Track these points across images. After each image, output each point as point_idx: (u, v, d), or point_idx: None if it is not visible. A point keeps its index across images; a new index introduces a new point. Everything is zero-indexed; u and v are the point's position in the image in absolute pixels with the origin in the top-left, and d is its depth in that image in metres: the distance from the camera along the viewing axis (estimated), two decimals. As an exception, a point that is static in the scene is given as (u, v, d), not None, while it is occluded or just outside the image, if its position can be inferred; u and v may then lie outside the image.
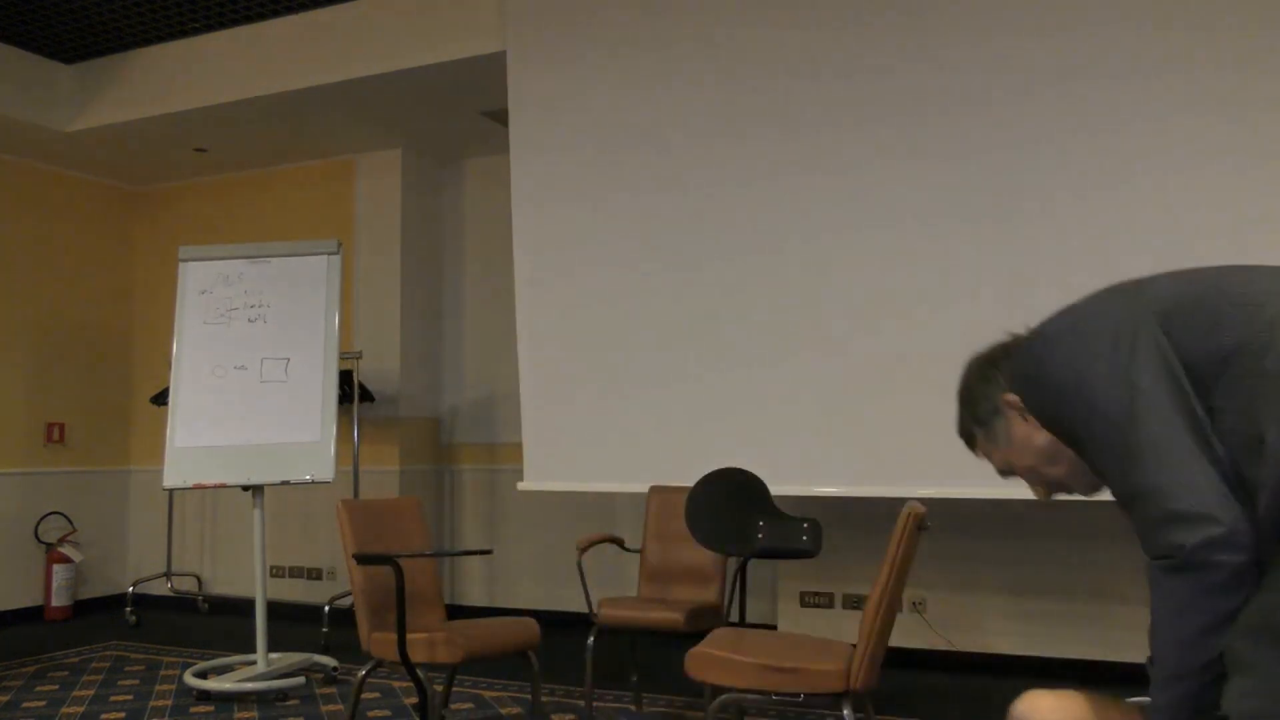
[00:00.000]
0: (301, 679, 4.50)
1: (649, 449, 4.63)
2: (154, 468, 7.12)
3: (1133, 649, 4.58)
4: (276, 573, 6.60)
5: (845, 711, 2.66)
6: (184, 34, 5.76)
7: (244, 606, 6.66)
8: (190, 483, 4.61)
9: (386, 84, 5.40)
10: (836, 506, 5.10)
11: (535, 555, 6.25)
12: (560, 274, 4.88)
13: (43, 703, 4.31)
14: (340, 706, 4.23)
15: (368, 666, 3.46)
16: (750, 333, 4.49)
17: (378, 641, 3.42)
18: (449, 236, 6.74)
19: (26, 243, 6.65)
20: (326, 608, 5.70)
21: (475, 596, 6.41)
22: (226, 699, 4.38)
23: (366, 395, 6.11)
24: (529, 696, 4.37)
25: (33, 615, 6.49)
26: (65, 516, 6.76)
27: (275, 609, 6.51)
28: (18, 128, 6.05)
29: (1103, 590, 4.63)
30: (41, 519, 6.61)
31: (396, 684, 4.60)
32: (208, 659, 5.18)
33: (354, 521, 3.63)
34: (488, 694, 4.43)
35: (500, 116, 5.87)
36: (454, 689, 4.50)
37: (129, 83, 5.97)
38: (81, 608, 6.77)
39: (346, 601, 6.21)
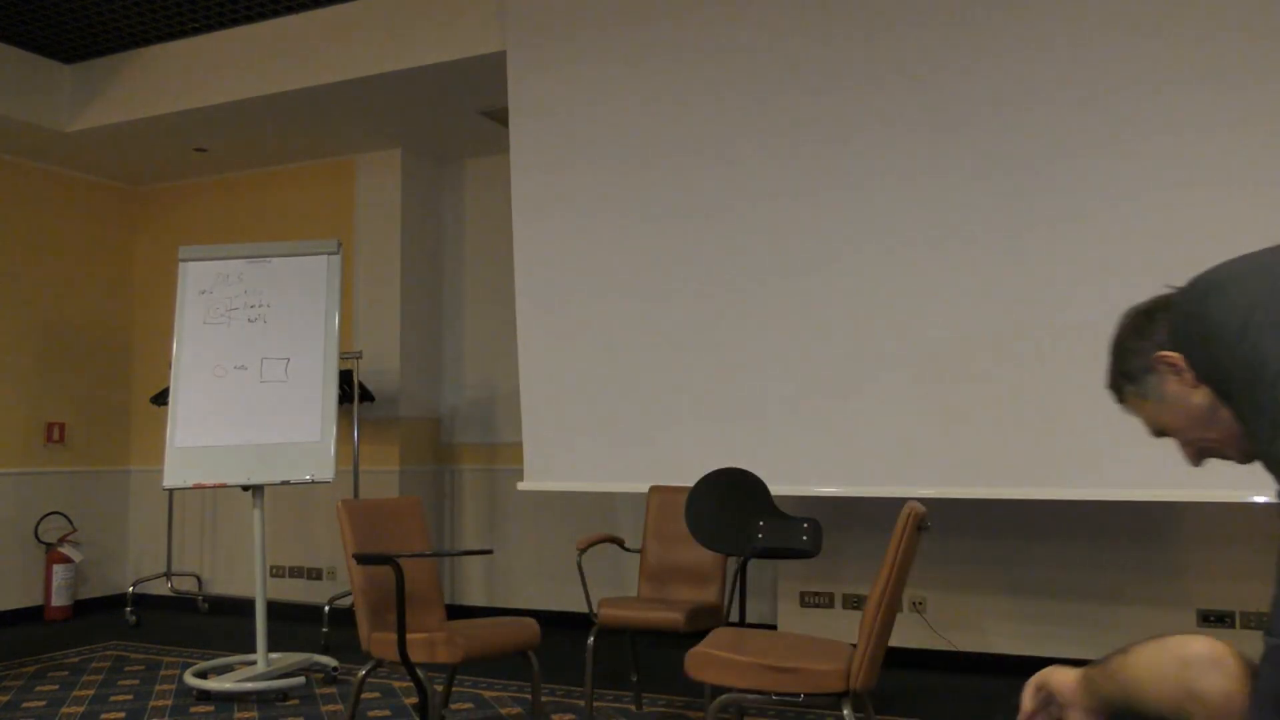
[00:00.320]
0: (301, 679, 4.50)
1: (649, 449, 4.63)
2: (154, 468, 7.11)
3: (1133, 649, 4.57)
4: (276, 573, 6.60)
5: (845, 711, 2.66)
6: (184, 34, 5.76)
7: (244, 606, 6.66)
8: (190, 483, 4.61)
9: (386, 84, 5.40)
10: (836, 506, 5.10)
11: (535, 555, 6.25)
12: (560, 274, 4.88)
13: (43, 703, 4.31)
14: (340, 706, 4.23)
15: (368, 666, 3.46)
16: (751, 333, 4.49)
17: (378, 641, 3.42)
18: (449, 236, 6.74)
19: (26, 243, 6.65)
20: (326, 608, 5.70)
21: (475, 596, 6.41)
22: (226, 699, 4.38)
23: (366, 395, 6.11)
24: (529, 696, 4.37)
25: (33, 615, 6.49)
26: (65, 516, 6.76)
27: (275, 609, 6.50)
28: (18, 128, 6.04)
29: (1103, 590, 4.63)
30: (41, 519, 6.61)
31: (396, 684, 4.60)
32: (208, 659, 5.18)
33: (354, 521, 3.63)
34: (488, 694, 4.43)
35: (500, 116, 5.87)
36: (454, 689, 4.50)
37: (129, 83, 5.97)
38: (81, 608, 6.77)
39: (346, 601, 6.20)
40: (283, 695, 4.41)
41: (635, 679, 4.21)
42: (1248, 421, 1.34)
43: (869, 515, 5.04)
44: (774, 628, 5.33)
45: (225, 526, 6.85)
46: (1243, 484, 3.72)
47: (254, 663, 4.63)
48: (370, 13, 5.31)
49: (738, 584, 3.73)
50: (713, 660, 2.76)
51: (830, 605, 5.09)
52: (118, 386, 7.20)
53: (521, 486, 4.89)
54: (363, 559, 3.36)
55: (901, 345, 4.25)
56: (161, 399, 6.50)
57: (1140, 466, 3.87)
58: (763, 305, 4.48)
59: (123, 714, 4.12)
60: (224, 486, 4.63)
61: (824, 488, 4.34)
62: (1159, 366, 1.52)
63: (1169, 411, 1.53)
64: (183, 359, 4.78)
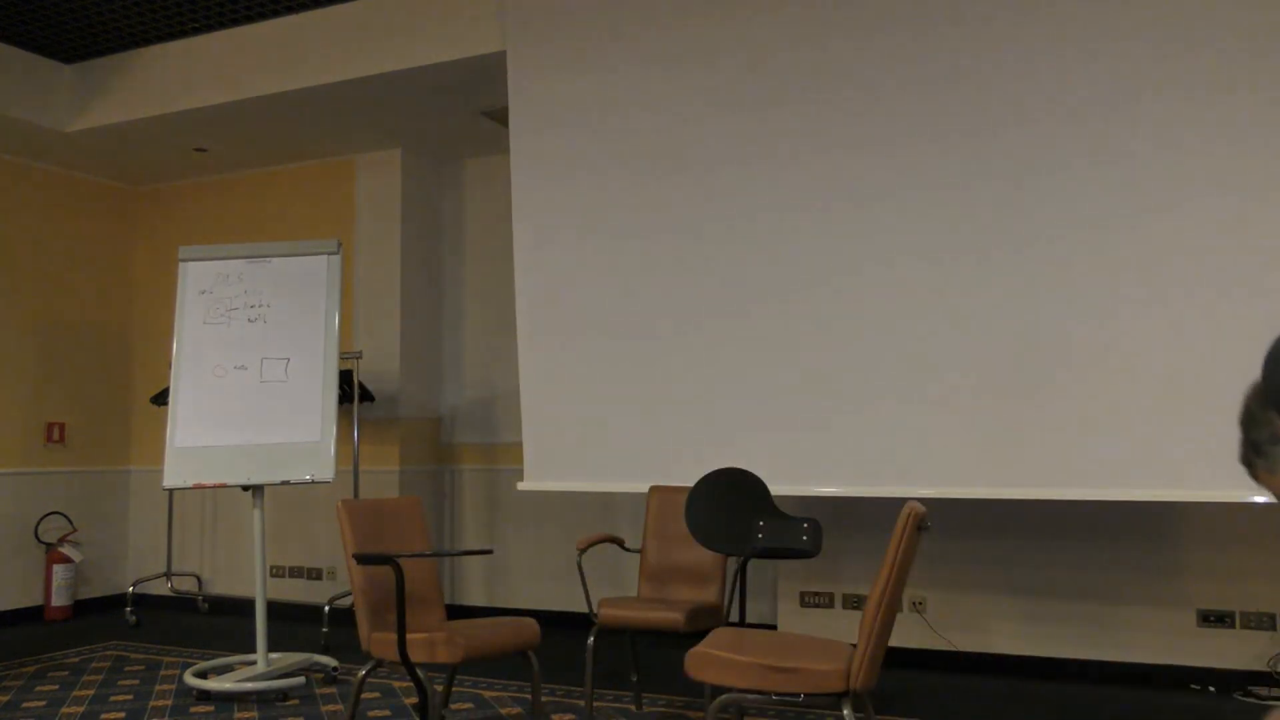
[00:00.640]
0: (301, 679, 4.50)
1: (649, 449, 4.63)
2: (154, 468, 7.12)
3: (1132, 649, 4.58)
4: (276, 573, 6.60)
5: (845, 711, 2.66)
6: (184, 34, 5.76)
7: (244, 606, 6.66)
8: (190, 483, 4.61)
9: (386, 84, 5.40)
10: (836, 506, 5.10)
11: (535, 555, 6.25)
12: (560, 274, 4.88)
13: (43, 703, 4.31)
14: (340, 706, 4.23)
15: (368, 666, 3.46)
16: (750, 333, 4.49)
17: (378, 641, 3.42)
18: (449, 237, 6.74)
19: (26, 243, 6.65)
20: (326, 608, 5.70)
21: (475, 596, 6.41)
22: (226, 699, 4.38)
23: (366, 395, 6.11)
24: (529, 696, 4.37)
25: (33, 615, 6.49)
26: (65, 516, 6.76)
27: (275, 609, 6.51)
28: (18, 128, 6.05)
29: (1103, 590, 4.64)
30: (41, 519, 6.61)
31: (396, 684, 4.60)
32: (208, 659, 5.18)
33: (354, 521, 3.63)
34: (488, 694, 4.43)
35: (500, 116, 5.87)
36: (454, 689, 4.50)
37: (129, 83, 5.97)
38: (81, 608, 6.77)
39: (346, 601, 6.21)
40: (283, 695, 4.41)
41: (635, 679, 4.21)
42: None
43: (869, 515, 5.04)
44: (774, 628, 5.34)
45: (225, 526, 6.85)
46: (1243, 484, 3.72)
47: (254, 663, 4.63)
48: (370, 13, 5.31)
49: (738, 584, 3.73)
50: (713, 660, 2.76)
51: (830, 605, 5.09)
52: (118, 386, 7.20)
53: (521, 486, 4.89)
54: (363, 559, 3.36)
55: (901, 346, 4.25)
56: (161, 399, 6.50)
57: (1140, 467, 3.88)
58: (763, 306, 4.48)
59: (123, 714, 4.12)
60: (224, 486, 4.63)
61: (824, 488, 4.34)
62: None
63: None
64: (183, 359, 4.78)
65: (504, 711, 4.13)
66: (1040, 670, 4.71)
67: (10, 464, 6.47)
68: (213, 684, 4.37)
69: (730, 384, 4.51)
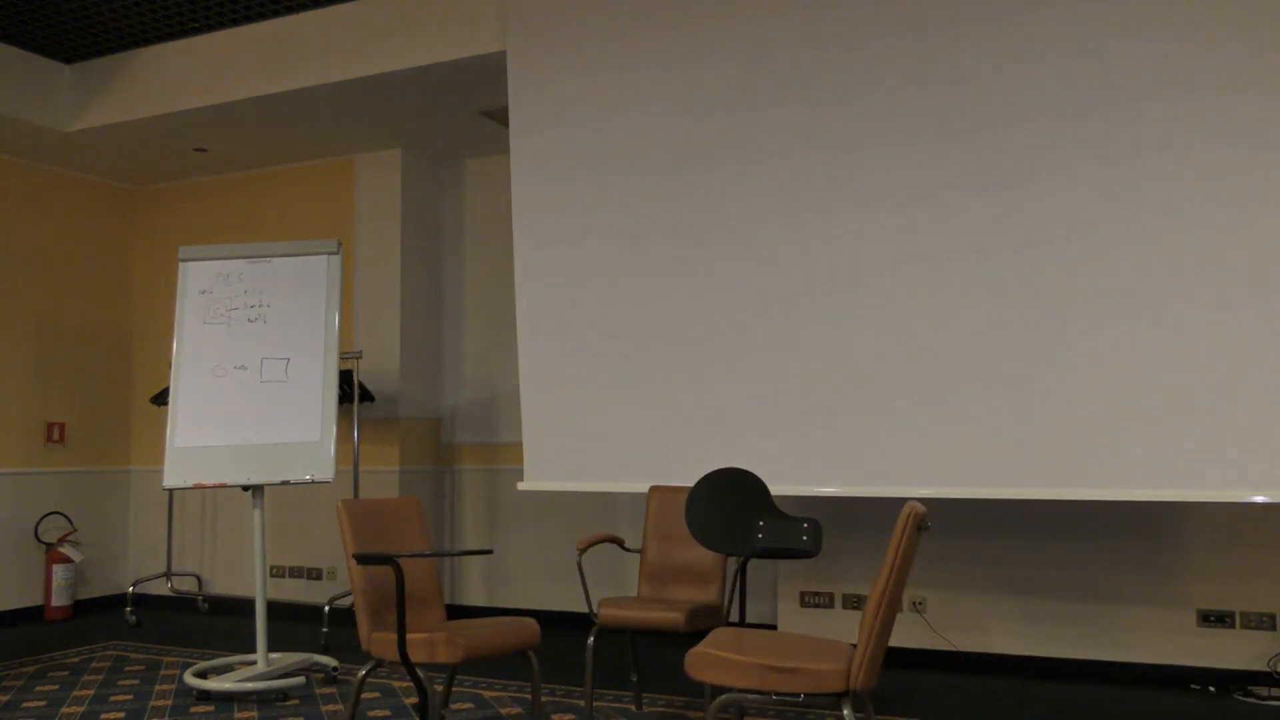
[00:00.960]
0: (301, 679, 4.50)
1: (649, 449, 4.63)
2: (154, 468, 7.12)
3: (1133, 649, 4.58)
4: (276, 573, 6.60)
5: (845, 711, 2.66)
6: (184, 34, 5.76)
7: (244, 606, 6.67)
8: (190, 483, 4.61)
9: (386, 84, 5.40)
10: (836, 506, 5.10)
11: (535, 555, 6.25)
12: (560, 274, 4.88)
13: (43, 703, 4.31)
14: (340, 706, 4.23)
15: (368, 666, 3.46)
16: (750, 333, 4.49)
17: (378, 641, 3.42)
18: (449, 237, 6.74)
19: (26, 243, 6.65)
20: (326, 608, 5.70)
21: (475, 596, 6.41)
22: (226, 699, 4.38)
23: (366, 395, 6.11)
24: (529, 696, 4.37)
25: (33, 615, 6.49)
26: (65, 516, 6.76)
27: (275, 609, 6.51)
28: (18, 128, 6.05)
29: (1103, 590, 4.64)
30: (41, 519, 6.61)
31: (396, 684, 4.61)
32: (208, 659, 5.18)
33: (354, 521, 3.63)
34: (488, 694, 4.43)
35: (500, 116, 5.87)
36: (454, 689, 4.50)
37: (129, 83, 5.97)
38: (81, 608, 6.77)
39: (346, 601, 6.21)
40: (283, 695, 4.41)
41: (635, 679, 4.21)
42: None
43: (869, 515, 5.04)
44: (774, 628, 5.34)
45: (225, 526, 6.85)
46: (1243, 484, 3.72)
47: (254, 663, 4.63)
48: (370, 13, 5.31)
49: (738, 584, 3.73)
50: (713, 660, 2.76)
51: (830, 605, 5.09)
52: (118, 386, 7.20)
53: (521, 486, 4.89)
54: (363, 559, 3.36)
55: (901, 346, 4.25)
56: (161, 399, 6.51)
57: (1140, 467, 3.88)
58: (763, 306, 4.48)
59: (123, 714, 4.12)
60: (224, 486, 4.63)
61: (824, 488, 4.34)
62: None
63: None
64: (183, 359, 4.78)
65: (504, 711, 4.13)
66: (1040, 670, 4.71)
67: (10, 464, 6.47)
68: (213, 684, 4.37)
69: (730, 384, 4.51)
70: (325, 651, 5.42)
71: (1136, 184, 3.94)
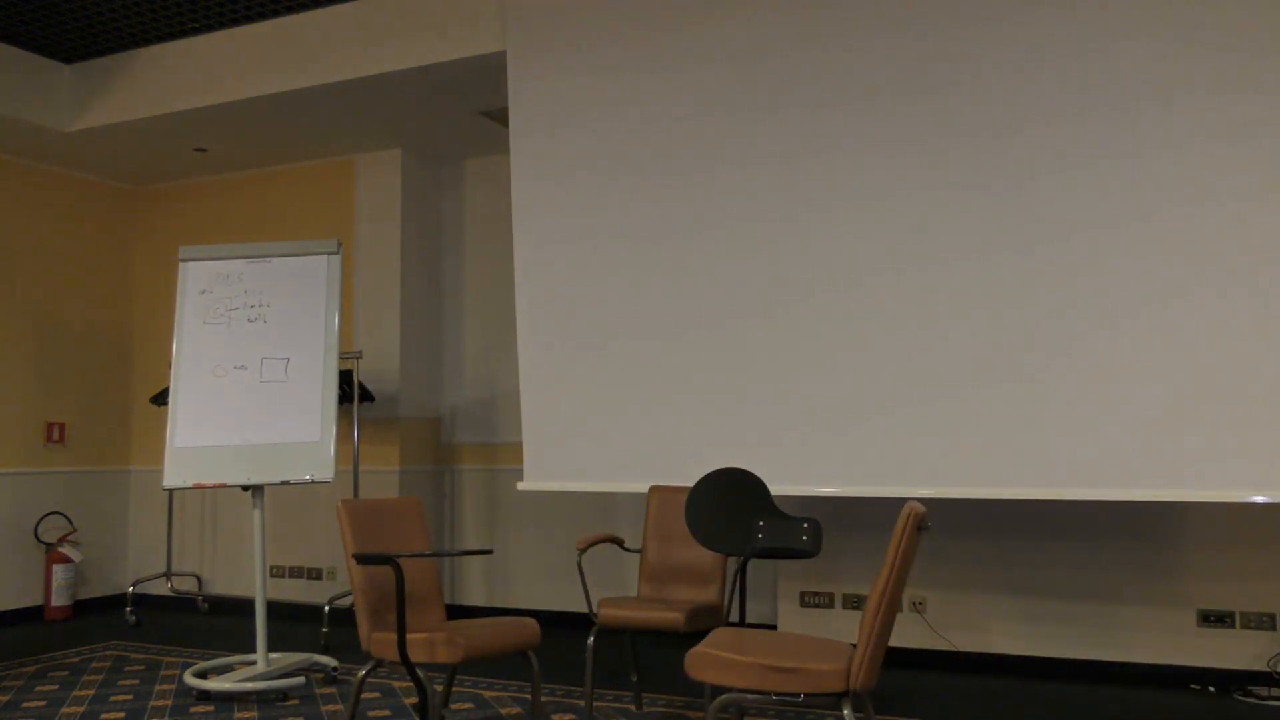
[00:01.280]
0: (301, 679, 4.50)
1: (649, 449, 4.63)
2: (154, 468, 7.12)
3: (1132, 649, 4.58)
4: (276, 573, 6.60)
5: (845, 711, 2.66)
6: (184, 34, 5.76)
7: (244, 606, 6.67)
8: (190, 483, 4.61)
9: (386, 84, 5.40)
10: (836, 506, 5.10)
11: (535, 555, 6.25)
12: (560, 274, 4.88)
13: (43, 703, 4.31)
14: (340, 706, 4.23)
15: (368, 666, 3.46)
16: (750, 333, 4.49)
17: (378, 641, 3.42)
18: (449, 236, 6.74)
19: (26, 243, 6.65)
20: (326, 608, 5.70)
21: (475, 596, 6.41)
22: (226, 699, 4.38)
23: (366, 395, 6.11)
24: (529, 696, 4.37)
25: (33, 615, 6.49)
26: (65, 516, 6.76)
27: (275, 609, 6.51)
28: (18, 128, 6.05)
29: (1103, 590, 4.64)
30: (41, 519, 6.61)
31: (396, 684, 4.61)
32: (208, 659, 5.18)
33: (354, 521, 3.63)
34: (488, 694, 4.43)
35: (500, 116, 5.87)
36: (454, 689, 4.50)
37: (129, 83, 5.97)
38: (81, 608, 6.77)
39: (346, 601, 6.21)
40: (283, 695, 4.41)
41: (635, 679, 4.21)
42: None
43: (869, 515, 5.04)
44: (774, 628, 5.34)
45: (225, 526, 6.85)
46: (1243, 484, 3.72)
47: (254, 663, 4.63)
48: (370, 13, 5.31)
49: (738, 584, 3.73)
50: (713, 660, 2.76)
51: (830, 605, 5.09)
52: (118, 386, 7.20)
53: (521, 486, 4.89)
54: (363, 559, 3.36)
55: (901, 346, 4.25)
56: (161, 399, 6.51)
57: (1140, 466, 3.88)
58: (763, 306, 4.48)
59: (123, 714, 4.12)
60: (224, 486, 4.63)
61: (824, 488, 4.34)
62: None
63: None
64: (183, 359, 4.78)
65: (504, 711, 4.13)
66: (1040, 670, 4.71)
67: (10, 464, 6.47)
68: (213, 684, 4.37)
69: (731, 384, 4.51)
70: (325, 651, 5.42)
71: (1137, 184, 3.94)
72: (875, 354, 4.29)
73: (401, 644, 3.29)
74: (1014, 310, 4.10)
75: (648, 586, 4.30)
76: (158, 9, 5.46)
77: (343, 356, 5.81)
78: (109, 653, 5.40)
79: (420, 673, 3.41)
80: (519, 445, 6.29)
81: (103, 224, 7.16)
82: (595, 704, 4.22)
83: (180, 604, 6.90)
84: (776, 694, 2.68)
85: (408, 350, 6.42)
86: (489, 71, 5.23)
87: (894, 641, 4.97)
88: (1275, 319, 3.74)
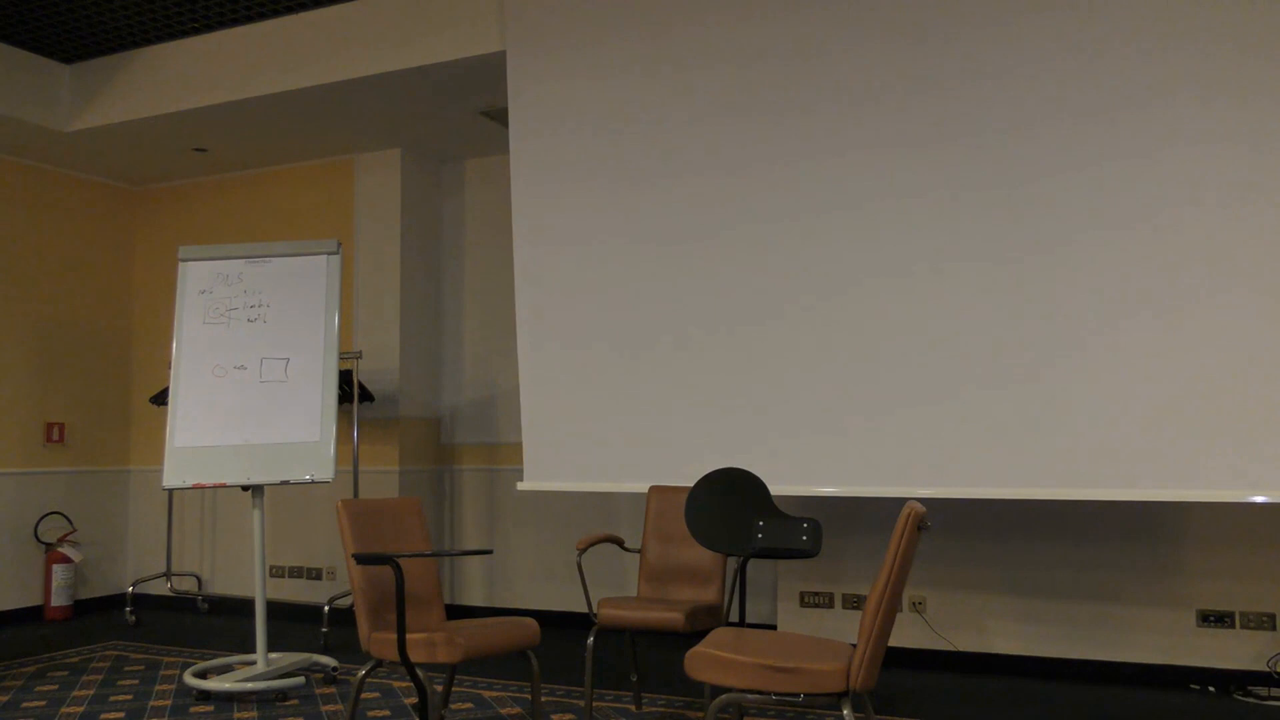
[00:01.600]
0: (301, 679, 4.50)
1: (649, 449, 4.63)
2: (154, 468, 7.12)
3: (1132, 649, 4.58)
4: (276, 573, 6.60)
5: (845, 711, 2.66)
6: (184, 34, 5.76)
7: (244, 606, 6.67)
8: (190, 483, 4.61)
9: (386, 84, 5.40)
10: (836, 506, 5.10)
11: (535, 555, 6.25)
12: (560, 274, 4.88)
13: (43, 703, 4.31)
14: (340, 706, 4.23)
15: (368, 666, 3.46)
16: (750, 333, 4.49)
17: (378, 641, 3.42)
18: (449, 236, 6.74)
19: (26, 243, 6.65)
20: (326, 608, 5.70)
21: (475, 596, 6.41)
22: (226, 699, 4.38)
23: (366, 395, 6.11)
24: (529, 696, 4.37)
25: (33, 615, 6.49)
26: (65, 516, 6.76)
27: (275, 609, 6.51)
28: (18, 128, 6.05)
29: (1102, 590, 4.64)
30: (41, 519, 6.61)
31: (396, 684, 4.60)
32: (207, 659, 5.18)
33: (354, 521, 3.63)
34: (488, 694, 4.43)
35: (500, 116, 5.87)
36: (454, 689, 4.50)
37: (129, 83, 5.97)
38: (81, 608, 6.77)
39: (346, 601, 6.21)
40: (282, 695, 4.41)
41: (635, 679, 4.21)
42: None
43: (869, 515, 5.04)
44: (774, 628, 5.34)
45: (225, 526, 6.85)
46: (1243, 484, 3.72)
47: (254, 663, 4.63)
48: (370, 13, 5.31)
49: (738, 584, 3.73)
50: (713, 660, 2.76)
51: (830, 605, 5.09)
52: (118, 386, 7.20)
53: (521, 486, 4.89)
54: (362, 559, 3.36)
55: (901, 347, 4.25)
56: (161, 399, 6.51)
57: (1140, 466, 3.88)
58: (763, 307, 4.48)
59: (122, 714, 4.12)
60: (224, 486, 4.63)
61: (824, 488, 4.34)
62: None
63: None
64: (182, 359, 4.78)
65: (504, 711, 4.13)
66: (1040, 670, 4.71)
67: (10, 464, 6.47)
68: (212, 684, 4.37)
69: (731, 384, 4.51)
70: (325, 651, 5.42)
71: (1136, 185, 3.94)
72: (875, 354, 4.29)
73: (401, 644, 3.29)
74: (1014, 310, 4.10)
75: (647, 586, 4.30)
76: (158, 9, 5.46)
77: (343, 356, 5.81)
78: (109, 653, 5.39)
79: (420, 673, 3.41)
80: (519, 445, 6.29)
81: (103, 224, 7.16)
82: (595, 704, 4.22)
83: (180, 604, 6.90)
84: (776, 694, 2.68)
85: (407, 350, 6.42)
86: (489, 71, 5.23)
87: (894, 641, 4.97)
88: (1275, 319, 3.74)
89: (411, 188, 6.54)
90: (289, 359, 4.78)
